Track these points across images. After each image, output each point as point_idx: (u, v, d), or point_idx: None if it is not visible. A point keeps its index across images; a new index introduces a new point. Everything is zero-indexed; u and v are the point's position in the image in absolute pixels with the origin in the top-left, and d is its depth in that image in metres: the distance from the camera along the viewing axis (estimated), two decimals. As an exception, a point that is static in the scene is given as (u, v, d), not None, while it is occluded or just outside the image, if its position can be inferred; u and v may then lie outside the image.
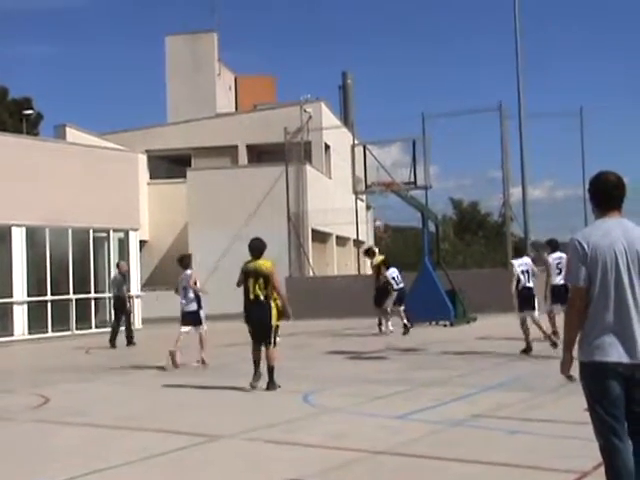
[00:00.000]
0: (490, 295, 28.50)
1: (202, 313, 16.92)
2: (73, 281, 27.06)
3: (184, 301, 16.90)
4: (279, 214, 34.32)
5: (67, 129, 31.64)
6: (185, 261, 17.57)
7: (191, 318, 16.68)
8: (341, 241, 41.23)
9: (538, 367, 13.85)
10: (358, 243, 37.92)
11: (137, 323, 28.79)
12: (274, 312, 12.80)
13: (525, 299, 16.21)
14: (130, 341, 22.23)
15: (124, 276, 23.22)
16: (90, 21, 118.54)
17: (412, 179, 23.70)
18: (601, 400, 5.10)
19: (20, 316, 25.59)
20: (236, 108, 46.45)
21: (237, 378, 14.41)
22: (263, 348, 12.89)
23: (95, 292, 27.92)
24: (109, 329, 26.28)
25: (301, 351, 18.73)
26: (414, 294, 22.91)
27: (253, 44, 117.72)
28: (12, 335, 25.11)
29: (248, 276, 12.90)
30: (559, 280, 16.29)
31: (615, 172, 5.40)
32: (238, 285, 13.30)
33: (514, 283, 16.26)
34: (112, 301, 23.26)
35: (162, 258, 36.39)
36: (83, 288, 27.43)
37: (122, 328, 22.35)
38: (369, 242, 48.52)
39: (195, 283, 16.92)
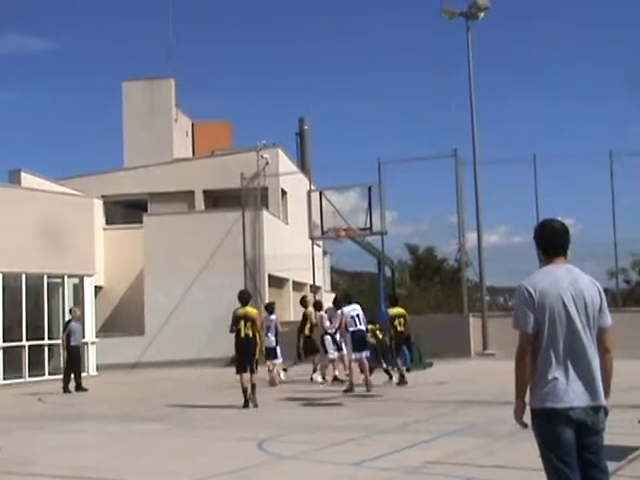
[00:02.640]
0: (446, 340, 28.60)
1: (278, 349, 21.07)
2: (26, 327, 26.63)
3: (269, 339, 20.60)
4: (236, 259, 34.17)
5: (22, 174, 31.28)
6: (270, 308, 21.81)
7: (272, 352, 20.76)
8: (298, 286, 41.08)
9: (493, 413, 13.82)
10: (315, 288, 37.85)
11: (92, 369, 28.45)
12: (259, 348, 16.54)
13: (357, 341, 18.15)
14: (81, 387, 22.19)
15: (70, 322, 23.06)
16: (46, 66, 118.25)
17: (368, 225, 23.80)
18: (554, 447, 5.07)
19: (-29, 363, 25.12)
20: (193, 154, 46.39)
21: (189, 425, 14.25)
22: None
23: (49, 339, 27.48)
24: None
25: (256, 397, 18.54)
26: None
27: (210, 90, 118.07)
28: (-37, 382, 24.65)
29: (239, 319, 16.35)
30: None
31: (559, 220, 5.46)
32: (231, 331, 16.65)
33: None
34: (71, 351, 22.77)
35: (117, 304, 35.97)
36: (36, 334, 26.99)
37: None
38: (325, 287, 48.52)
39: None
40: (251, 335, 16.24)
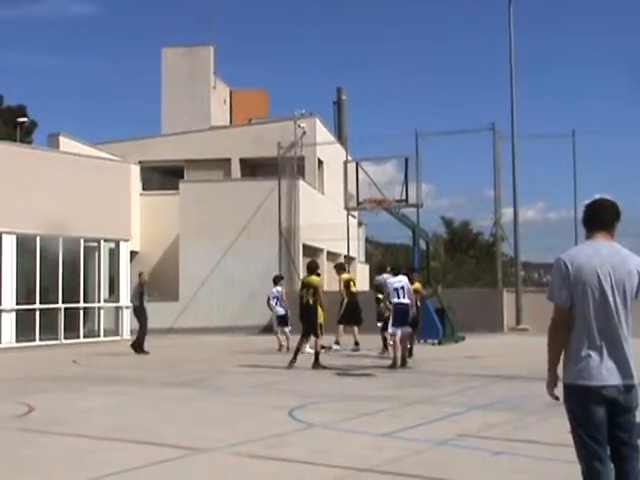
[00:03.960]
0: (479, 314, 28.54)
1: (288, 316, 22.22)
2: (62, 290, 26.95)
3: (279, 309, 22.25)
4: (271, 228, 34.26)
5: (61, 138, 31.52)
6: (277, 280, 22.89)
7: (283, 320, 22.23)
8: (332, 257, 41.11)
9: (525, 388, 13.80)
10: (349, 259, 37.86)
11: (126, 333, 28.73)
12: (319, 312, 17.66)
13: (398, 314, 17.61)
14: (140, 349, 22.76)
15: (142, 286, 23.33)
16: (87, 32, 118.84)
17: (404, 197, 23.74)
18: (585, 424, 5.06)
19: (8, 324, 25.47)
20: (230, 122, 46.44)
21: (221, 391, 14.36)
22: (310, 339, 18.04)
23: (84, 302, 27.81)
24: (97, 339, 26.60)
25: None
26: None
27: (249, 58, 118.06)
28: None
29: (303, 287, 18.03)
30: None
31: (610, 199, 5.42)
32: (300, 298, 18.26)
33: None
34: (134, 310, 23.47)
35: (152, 269, 36.19)
36: (72, 297, 27.31)
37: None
38: (360, 258, 48.54)
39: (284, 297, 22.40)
40: (311, 302, 17.52)
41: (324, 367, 17.20)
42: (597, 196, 5.55)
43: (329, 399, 13.08)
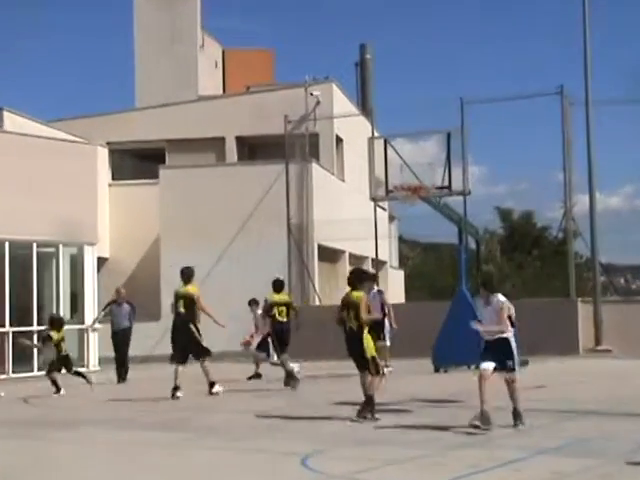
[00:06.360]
0: (547, 333, 28.42)
1: None
2: (10, 310, 26.94)
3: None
4: (277, 225, 34.28)
5: (4, 114, 31.57)
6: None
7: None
8: (356, 260, 41.11)
9: (607, 426, 13.72)
10: (378, 263, 37.79)
11: (93, 364, 28.76)
12: (369, 343, 15.34)
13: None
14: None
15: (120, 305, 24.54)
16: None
17: (446, 182, 23.64)
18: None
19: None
20: (224, 90, 46.52)
21: (213, 434, 14.34)
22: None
23: (38, 324, 27.75)
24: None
25: (301, 400, 18.62)
26: (446, 330, 22.87)
27: (246, 10, 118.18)
28: None
29: (343, 307, 15.68)
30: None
31: None
32: (337, 323, 15.80)
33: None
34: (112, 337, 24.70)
35: (126, 281, 36.26)
36: (23, 319, 27.33)
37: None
38: (392, 263, 48.48)
39: None
40: (355, 328, 15.37)
41: (377, 418, 15.21)
42: None
43: (350, 443, 13.01)
